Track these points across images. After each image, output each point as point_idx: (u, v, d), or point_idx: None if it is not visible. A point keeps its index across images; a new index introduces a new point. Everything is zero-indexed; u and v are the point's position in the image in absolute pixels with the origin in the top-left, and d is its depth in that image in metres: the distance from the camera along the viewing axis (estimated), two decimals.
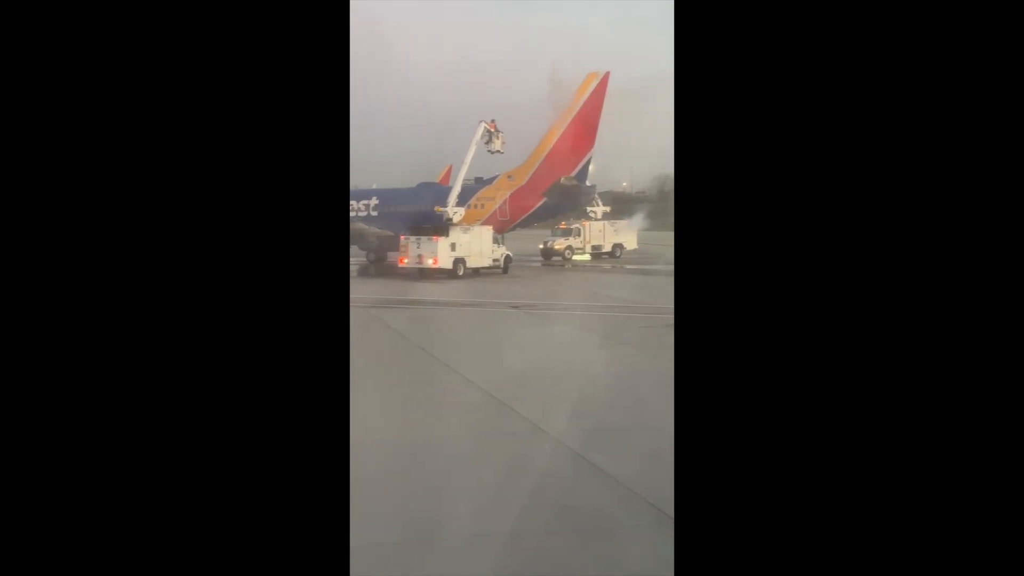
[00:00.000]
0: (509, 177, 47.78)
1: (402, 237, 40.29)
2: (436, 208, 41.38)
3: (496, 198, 47.25)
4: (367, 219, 47.81)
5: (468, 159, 41.83)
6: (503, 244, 42.17)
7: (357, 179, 53.28)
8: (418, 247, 38.53)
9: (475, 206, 45.77)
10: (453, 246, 38.53)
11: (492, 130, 41.22)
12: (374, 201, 49.18)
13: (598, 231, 49.70)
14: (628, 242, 51.28)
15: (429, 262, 37.84)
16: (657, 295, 27.63)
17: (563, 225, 50.52)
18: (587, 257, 48.84)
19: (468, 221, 42.29)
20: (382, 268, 45.05)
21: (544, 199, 46.98)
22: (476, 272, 39.48)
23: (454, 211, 40.60)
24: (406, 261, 39.31)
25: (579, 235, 49.20)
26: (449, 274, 37.95)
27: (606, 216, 50.78)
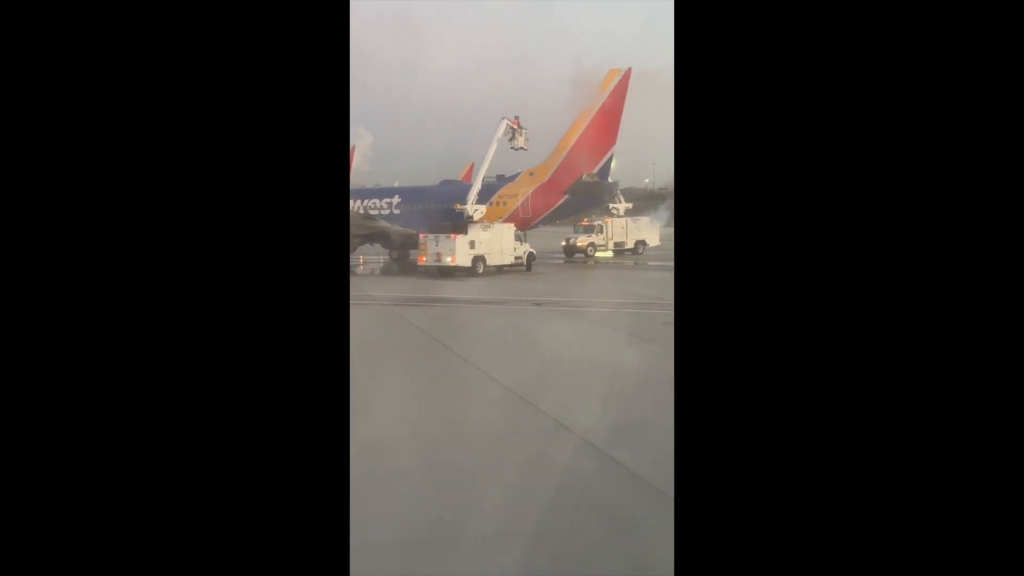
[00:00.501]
0: (531, 174, 47.77)
1: (421, 235, 40.37)
2: (456, 206, 41.41)
3: (518, 195, 47.25)
4: (390, 217, 48.08)
5: (489, 156, 41.81)
6: (526, 241, 42.10)
7: (380, 178, 53.51)
8: (436, 245, 38.56)
9: (497, 203, 45.81)
10: (472, 244, 38.51)
11: (516, 127, 41.16)
12: (396, 199, 49.43)
13: (620, 228, 49.54)
14: (651, 239, 51.08)
15: (447, 260, 37.85)
16: None
17: (585, 222, 50.40)
18: (610, 254, 48.70)
19: (490, 218, 42.27)
20: (405, 266, 45.25)
21: (566, 196, 46.90)
22: (500, 270, 39.50)
23: (474, 208, 40.57)
24: (425, 259, 39.37)
25: (601, 232, 49.03)
26: (468, 272, 37.95)
27: (628, 213, 50.60)
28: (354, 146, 49.99)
